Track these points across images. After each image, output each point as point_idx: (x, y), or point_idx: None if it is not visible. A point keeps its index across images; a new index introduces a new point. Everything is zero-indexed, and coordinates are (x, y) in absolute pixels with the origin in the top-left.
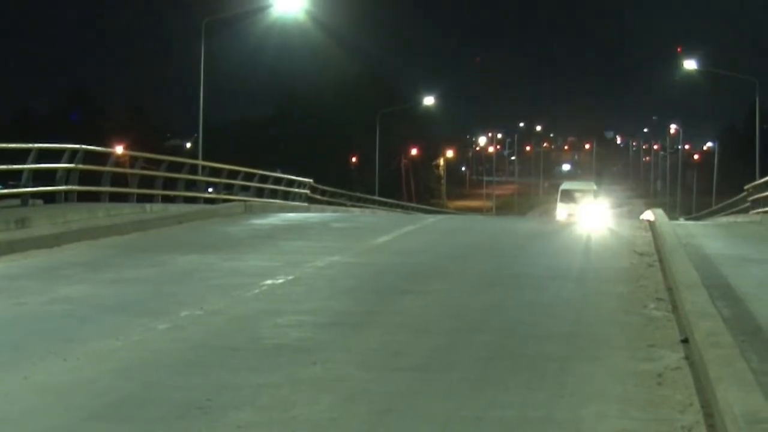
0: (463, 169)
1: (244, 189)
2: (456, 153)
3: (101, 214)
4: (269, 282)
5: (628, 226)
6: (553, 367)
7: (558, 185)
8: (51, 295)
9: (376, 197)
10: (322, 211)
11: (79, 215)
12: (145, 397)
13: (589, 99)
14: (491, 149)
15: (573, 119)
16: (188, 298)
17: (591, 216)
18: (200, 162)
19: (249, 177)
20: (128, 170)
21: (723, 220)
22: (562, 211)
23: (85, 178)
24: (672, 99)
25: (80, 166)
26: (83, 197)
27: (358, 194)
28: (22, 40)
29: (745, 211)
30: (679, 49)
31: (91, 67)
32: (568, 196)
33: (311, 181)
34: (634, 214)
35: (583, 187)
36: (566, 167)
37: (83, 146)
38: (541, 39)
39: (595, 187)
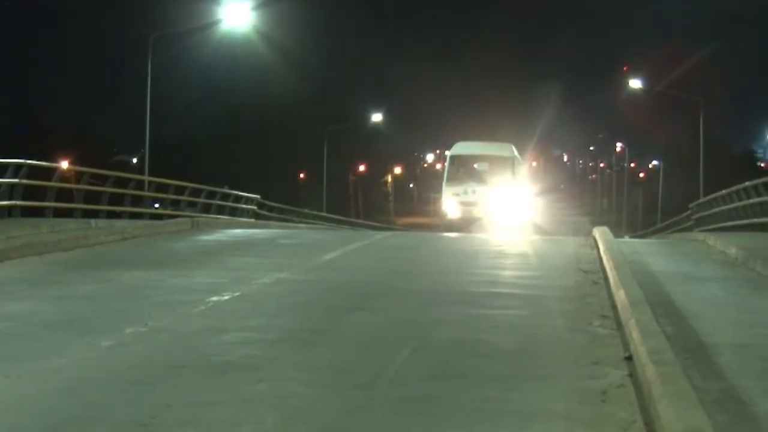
0: (411, 185)
1: (191, 205)
2: (404, 170)
3: (45, 229)
4: (215, 299)
5: (573, 243)
6: (498, 385)
7: None
8: None
9: (324, 213)
10: (270, 227)
11: (23, 231)
12: (89, 415)
13: (537, 116)
14: (439, 166)
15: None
16: (133, 315)
17: (508, 214)
18: (146, 177)
19: (196, 193)
20: (73, 185)
21: (668, 238)
22: (451, 201)
23: (29, 193)
24: (618, 117)
25: (24, 181)
26: (27, 212)
27: (306, 210)
28: None
29: (690, 229)
30: (625, 68)
31: (36, 82)
32: (465, 171)
33: (258, 197)
34: (581, 232)
35: (492, 152)
36: None
37: (27, 161)
38: (491, 58)
39: (514, 153)
